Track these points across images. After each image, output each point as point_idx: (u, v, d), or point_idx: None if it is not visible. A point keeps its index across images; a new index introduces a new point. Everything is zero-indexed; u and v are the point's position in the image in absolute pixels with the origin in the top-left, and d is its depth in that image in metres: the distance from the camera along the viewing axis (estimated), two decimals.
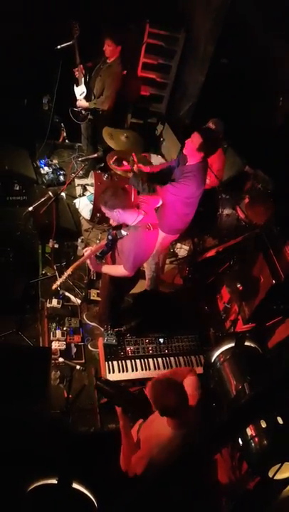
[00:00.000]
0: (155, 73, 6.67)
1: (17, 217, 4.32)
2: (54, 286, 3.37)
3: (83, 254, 3.45)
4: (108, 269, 3.43)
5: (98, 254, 3.36)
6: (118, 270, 3.30)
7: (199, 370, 3.40)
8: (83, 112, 5.16)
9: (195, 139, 3.56)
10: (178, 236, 4.21)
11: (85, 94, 5.09)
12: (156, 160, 5.56)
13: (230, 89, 5.48)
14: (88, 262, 3.31)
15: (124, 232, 3.20)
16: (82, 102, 5.09)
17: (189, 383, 2.69)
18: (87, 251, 3.32)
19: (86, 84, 5.05)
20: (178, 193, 3.66)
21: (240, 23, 5.40)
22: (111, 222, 3.58)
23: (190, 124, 6.31)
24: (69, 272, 3.30)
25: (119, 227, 3.25)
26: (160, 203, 3.60)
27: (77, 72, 4.99)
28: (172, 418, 2.38)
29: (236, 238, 4.25)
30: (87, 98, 5.09)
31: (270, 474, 1.93)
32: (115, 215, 3.10)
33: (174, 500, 1.28)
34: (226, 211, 4.78)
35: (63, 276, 3.32)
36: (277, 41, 4.98)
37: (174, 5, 6.15)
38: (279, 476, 1.93)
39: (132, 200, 3.11)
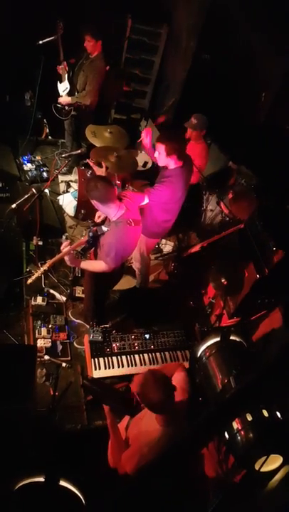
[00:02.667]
0: (138, 69, 6.65)
1: (0, 215, 4.27)
2: (29, 281, 3.32)
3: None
4: (87, 265, 3.41)
5: (80, 251, 3.34)
6: (97, 265, 3.29)
7: (186, 364, 3.43)
8: (66, 107, 5.13)
9: (160, 149, 3.55)
10: (159, 239, 4.21)
11: (68, 90, 5.07)
12: (142, 158, 5.54)
13: (213, 84, 5.50)
14: (66, 257, 3.24)
15: (104, 228, 3.20)
16: (64, 98, 5.06)
17: (179, 379, 2.70)
18: (66, 247, 3.28)
19: (69, 80, 5.02)
20: (154, 198, 3.62)
21: (223, 19, 5.42)
22: (96, 218, 3.57)
23: (173, 120, 6.32)
24: (45, 267, 3.27)
25: (100, 223, 3.24)
26: (146, 201, 3.58)
27: (60, 69, 4.96)
28: (160, 414, 2.38)
29: (220, 233, 4.27)
30: (70, 93, 5.06)
31: (257, 467, 1.95)
32: (96, 206, 3.10)
33: (161, 495, 1.29)
34: (210, 207, 4.80)
35: (39, 271, 3.28)
36: (259, 36, 5.01)
37: (157, 0, 6.13)
38: (265, 469, 1.96)
39: (114, 194, 3.09)
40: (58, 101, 5.10)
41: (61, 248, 3.26)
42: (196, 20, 5.77)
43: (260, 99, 5.10)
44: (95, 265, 3.32)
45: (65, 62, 4.95)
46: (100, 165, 3.94)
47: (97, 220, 3.52)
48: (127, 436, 2.63)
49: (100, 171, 3.93)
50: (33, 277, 3.30)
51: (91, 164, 4.06)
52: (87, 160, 4.15)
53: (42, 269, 3.27)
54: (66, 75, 5.00)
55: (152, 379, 2.36)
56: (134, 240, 3.35)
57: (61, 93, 5.09)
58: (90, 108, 5.02)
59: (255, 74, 5.21)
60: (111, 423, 2.61)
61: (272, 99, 5.03)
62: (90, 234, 3.30)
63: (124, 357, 3.51)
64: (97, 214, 3.53)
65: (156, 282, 4.77)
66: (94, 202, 3.10)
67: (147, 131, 3.93)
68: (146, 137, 3.90)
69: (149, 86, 6.87)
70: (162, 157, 3.59)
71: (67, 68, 4.98)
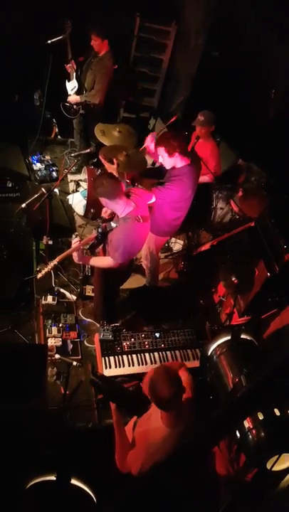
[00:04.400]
0: (146, 67, 6.64)
1: (10, 215, 4.30)
2: (39, 276, 3.34)
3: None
4: (95, 261, 3.41)
5: (89, 248, 3.35)
6: (105, 261, 3.30)
7: (196, 363, 3.42)
8: (75, 106, 5.13)
9: (161, 152, 3.57)
10: (169, 237, 4.21)
11: (76, 89, 5.07)
12: None
13: (222, 82, 5.46)
14: (74, 254, 3.25)
15: (113, 224, 3.20)
16: (73, 97, 5.07)
17: (183, 379, 2.69)
18: (75, 243, 3.30)
19: (77, 78, 5.03)
20: (163, 197, 3.62)
21: (231, 16, 5.38)
22: (102, 214, 3.58)
23: (182, 118, 6.30)
24: (55, 262, 3.28)
25: (109, 220, 3.24)
26: (153, 199, 3.57)
27: (69, 68, 4.97)
28: (167, 411, 2.37)
29: (231, 232, 4.25)
30: (79, 92, 5.07)
31: (268, 466, 1.94)
32: (105, 203, 3.12)
33: (172, 494, 1.28)
34: (220, 205, 4.78)
35: (49, 266, 3.30)
36: (268, 33, 4.97)
37: None
38: (277, 468, 1.94)
39: (121, 189, 3.10)
40: (67, 100, 5.11)
41: (72, 243, 3.28)
42: (205, 17, 5.74)
43: (270, 96, 5.06)
44: (103, 261, 3.34)
45: (73, 61, 4.95)
46: (111, 161, 3.94)
47: (104, 214, 3.53)
48: (134, 436, 2.63)
49: (112, 168, 3.93)
50: (43, 272, 3.32)
51: (103, 161, 4.07)
52: (100, 155, 4.15)
53: (52, 263, 3.29)
54: (74, 74, 5.01)
55: (165, 374, 2.35)
56: (142, 237, 3.35)
57: (69, 92, 5.10)
58: (98, 107, 5.02)
59: (265, 71, 5.17)
60: (117, 421, 2.60)
61: (282, 96, 4.98)
62: (99, 230, 3.30)
63: (134, 355, 3.51)
64: (104, 209, 3.54)
65: (166, 281, 4.76)
66: (102, 199, 3.12)
67: (152, 137, 3.94)
68: (151, 142, 3.90)
69: (158, 84, 6.84)
70: (166, 159, 3.60)
71: (75, 67, 4.98)
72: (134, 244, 3.27)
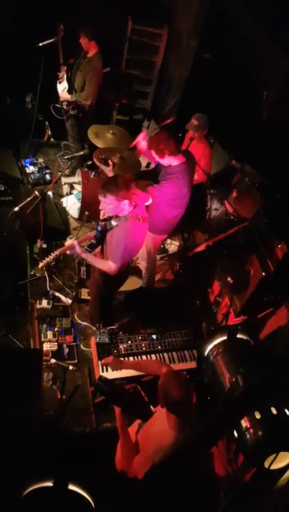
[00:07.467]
0: (139, 69, 6.65)
1: (3, 218, 4.28)
2: (40, 265, 3.31)
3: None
4: (94, 260, 3.37)
5: (86, 247, 3.32)
6: (104, 264, 3.28)
7: (193, 364, 3.42)
8: (65, 106, 5.13)
9: (154, 155, 3.63)
10: (167, 235, 4.22)
11: (67, 89, 5.08)
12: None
13: (215, 84, 5.48)
14: (76, 246, 3.21)
15: (114, 223, 3.18)
16: (64, 94, 5.07)
17: None
18: (73, 240, 3.26)
19: (68, 79, 5.04)
20: (160, 195, 3.65)
21: (223, 18, 5.40)
22: (101, 216, 3.57)
23: (176, 120, 6.30)
24: (57, 253, 3.27)
25: (108, 218, 3.22)
26: (150, 201, 3.58)
27: (61, 75, 5.00)
28: (178, 415, 2.36)
29: (225, 232, 4.24)
30: (69, 92, 5.07)
31: (266, 465, 1.93)
32: (109, 203, 3.07)
33: (171, 495, 1.27)
34: (215, 206, 4.78)
35: (50, 257, 3.28)
36: (261, 35, 4.99)
37: (157, 0, 6.13)
38: (275, 466, 1.93)
39: (130, 192, 3.11)
40: (58, 98, 5.09)
41: (71, 241, 3.26)
42: (196, 19, 5.75)
43: (262, 98, 5.08)
44: (102, 264, 3.31)
45: (65, 68, 4.99)
46: (106, 163, 3.94)
47: (103, 217, 3.52)
48: (137, 441, 2.61)
49: (107, 169, 3.93)
50: (45, 261, 3.29)
51: (97, 163, 4.06)
52: (93, 158, 4.14)
53: (53, 254, 3.27)
54: (65, 76, 5.03)
55: (173, 377, 2.39)
56: (141, 237, 3.35)
57: (60, 92, 5.11)
58: (90, 108, 5.02)
59: (257, 72, 5.19)
60: (121, 426, 2.58)
61: (275, 98, 5.00)
62: (99, 228, 3.27)
63: (131, 358, 3.49)
64: (102, 213, 3.53)
65: (162, 282, 4.76)
66: (109, 198, 3.03)
67: (143, 135, 3.95)
68: (142, 140, 3.91)
69: (151, 87, 6.86)
70: (159, 160, 3.66)
71: (66, 69, 5.01)
72: (134, 244, 3.27)
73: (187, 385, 2.36)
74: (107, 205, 3.07)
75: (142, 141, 3.93)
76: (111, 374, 3.35)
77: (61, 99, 5.10)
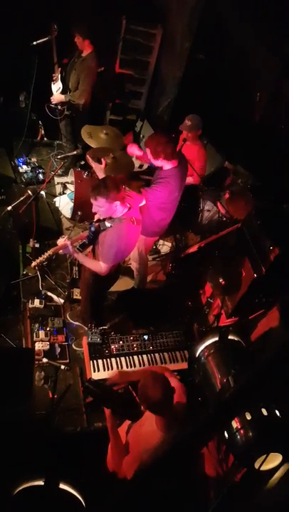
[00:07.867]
0: (133, 69, 6.65)
1: None
2: (33, 265, 3.31)
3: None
4: (85, 260, 3.35)
5: (78, 247, 3.32)
6: (95, 265, 3.26)
7: (184, 365, 3.43)
8: (59, 107, 5.12)
9: (148, 153, 3.64)
10: (158, 237, 4.24)
11: (61, 89, 5.06)
12: None
13: (208, 84, 5.50)
14: (69, 245, 3.20)
15: (108, 224, 3.17)
16: (57, 96, 5.05)
17: (175, 383, 2.69)
18: (66, 239, 3.25)
19: (62, 79, 5.02)
20: (151, 198, 3.66)
21: (217, 19, 5.42)
22: (95, 217, 3.56)
23: (168, 121, 6.32)
24: (50, 252, 3.26)
25: (103, 219, 3.22)
26: (144, 202, 3.59)
27: (55, 76, 4.98)
28: (161, 415, 2.36)
29: (218, 233, 4.27)
30: (63, 93, 5.06)
31: (256, 465, 1.95)
32: (101, 205, 3.05)
33: (162, 496, 1.28)
34: (207, 207, 4.80)
35: (43, 256, 3.27)
36: (254, 37, 5.02)
37: (151, 1, 6.14)
38: (265, 467, 1.96)
39: (122, 193, 3.10)
40: (51, 98, 5.08)
41: (63, 240, 3.25)
42: (190, 20, 5.77)
43: (255, 99, 5.11)
44: (93, 264, 3.29)
45: (60, 69, 4.98)
46: (99, 161, 3.94)
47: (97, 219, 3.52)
48: (127, 441, 2.61)
49: (99, 168, 3.93)
50: (38, 260, 3.29)
51: (90, 162, 4.06)
52: (87, 156, 4.14)
53: (47, 253, 3.26)
54: (59, 75, 5.02)
55: (152, 378, 2.35)
56: (134, 239, 3.35)
57: (54, 93, 5.09)
58: (84, 108, 5.01)
59: (250, 74, 5.22)
60: (112, 427, 2.59)
61: (267, 99, 5.04)
62: (92, 229, 3.25)
63: (122, 358, 3.50)
64: (96, 217, 3.52)
65: (154, 283, 4.77)
66: (100, 201, 3.01)
67: (128, 138, 3.99)
68: (133, 146, 3.96)
69: (145, 87, 6.86)
70: (152, 160, 3.68)
71: (60, 69, 5.00)
72: (126, 246, 3.26)
73: (165, 385, 2.33)
74: (100, 207, 3.05)
75: (132, 146, 3.96)
76: (102, 374, 3.36)
77: (54, 101, 5.08)
